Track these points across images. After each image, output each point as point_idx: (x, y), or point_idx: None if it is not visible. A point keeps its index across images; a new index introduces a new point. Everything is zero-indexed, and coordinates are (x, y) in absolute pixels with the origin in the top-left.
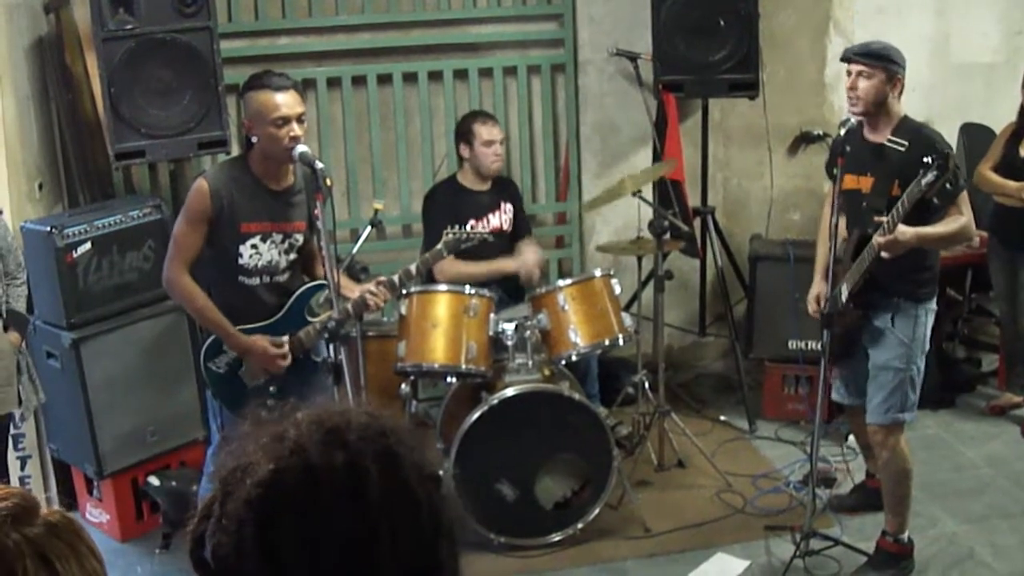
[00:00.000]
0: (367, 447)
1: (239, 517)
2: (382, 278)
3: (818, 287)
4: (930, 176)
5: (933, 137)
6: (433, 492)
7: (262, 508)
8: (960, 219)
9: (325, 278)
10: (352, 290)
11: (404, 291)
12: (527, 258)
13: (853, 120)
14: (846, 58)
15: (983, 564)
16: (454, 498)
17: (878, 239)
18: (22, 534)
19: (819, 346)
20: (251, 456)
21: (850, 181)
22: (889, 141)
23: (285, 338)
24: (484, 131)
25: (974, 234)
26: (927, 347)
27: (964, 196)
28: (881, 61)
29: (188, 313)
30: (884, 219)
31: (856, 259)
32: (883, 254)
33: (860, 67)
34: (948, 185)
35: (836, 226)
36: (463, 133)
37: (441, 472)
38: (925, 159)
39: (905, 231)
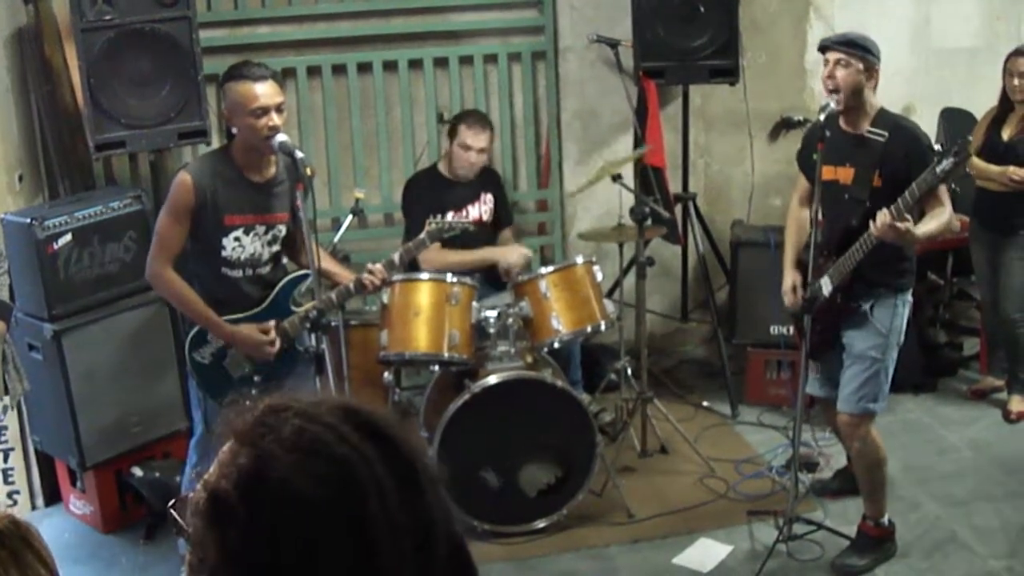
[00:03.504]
0: (380, 427)
1: (269, 515)
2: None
3: (791, 277)
4: (946, 164)
5: (913, 128)
6: (427, 460)
7: (290, 504)
8: (946, 212)
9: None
10: (346, 276)
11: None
12: (510, 257)
13: (833, 105)
14: (823, 47)
15: (965, 547)
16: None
17: (881, 219)
18: None
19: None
20: (268, 450)
21: (828, 172)
22: (869, 132)
23: (272, 323)
24: (466, 134)
25: (955, 223)
26: (902, 339)
27: (943, 187)
28: (859, 50)
29: (173, 306)
30: (884, 212)
31: (841, 252)
32: (874, 231)
33: (838, 55)
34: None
35: (818, 213)
36: (451, 126)
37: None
38: (935, 147)
39: (911, 227)
